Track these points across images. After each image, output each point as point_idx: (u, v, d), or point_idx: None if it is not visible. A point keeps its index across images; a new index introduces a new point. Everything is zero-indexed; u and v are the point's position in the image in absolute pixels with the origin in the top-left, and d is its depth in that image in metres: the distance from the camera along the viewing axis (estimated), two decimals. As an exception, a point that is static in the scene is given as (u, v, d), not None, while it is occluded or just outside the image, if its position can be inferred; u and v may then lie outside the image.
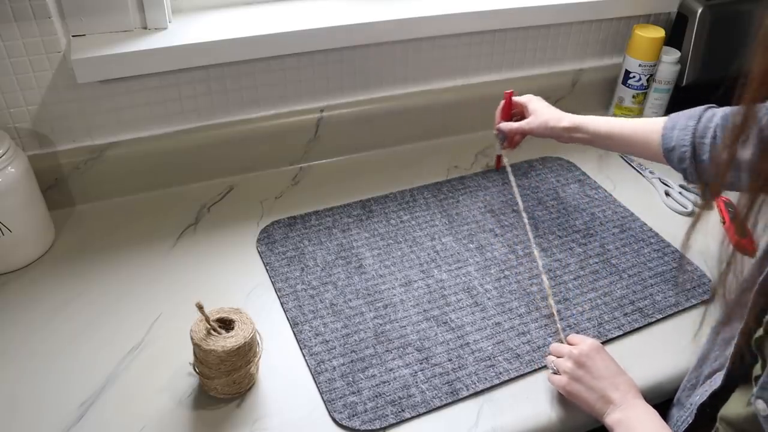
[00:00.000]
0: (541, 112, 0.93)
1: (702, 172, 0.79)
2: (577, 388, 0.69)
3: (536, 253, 0.89)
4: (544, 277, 0.85)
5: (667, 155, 0.82)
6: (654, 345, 0.81)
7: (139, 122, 0.98)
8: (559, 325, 0.80)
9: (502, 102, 0.97)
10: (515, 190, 0.95)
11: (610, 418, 0.66)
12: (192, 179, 1.04)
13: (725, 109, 0.79)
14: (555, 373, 0.72)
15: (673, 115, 0.84)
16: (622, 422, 0.65)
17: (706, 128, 0.78)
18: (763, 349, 0.55)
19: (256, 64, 1.00)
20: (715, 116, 0.78)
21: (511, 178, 0.96)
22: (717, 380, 0.62)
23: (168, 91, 0.97)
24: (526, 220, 0.91)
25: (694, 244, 0.95)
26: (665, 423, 0.64)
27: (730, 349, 0.60)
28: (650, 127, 0.85)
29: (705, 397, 0.63)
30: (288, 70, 1.03)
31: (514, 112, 0.98)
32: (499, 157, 1.03)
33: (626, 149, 0.90)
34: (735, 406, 0.58)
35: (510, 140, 0.99)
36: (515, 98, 0.97)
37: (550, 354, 0.75)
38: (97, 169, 0.96)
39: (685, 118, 0.81)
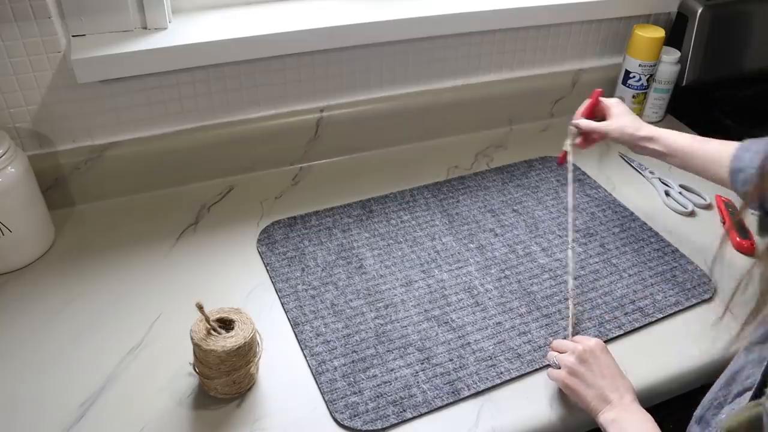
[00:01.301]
0: (622, 117, 0.92)
1: (764, 200, 0.75)
2: (576, 383, 0.69)
3: (570, 255, 0.88)
4: (570, 279, 0.85)
5: (733, 176, 0.79)
6: (654, 344, 0.81)
7: (139, 122, 0.98)
8: (570, 330, 0.80)
9: (588, 100, 0.96)
10: (570, 189, 0.94)
11: (604, 417, 0.66)
12: (192, 179, 1.04)
13: None
14: (556, 368, 0.72)
15: (755, 139, 0.81)
16: (616, 422, 0.65)
17: None
18: None
19: (256, 64, 1.00)
20: None
21: (570, 177, 0.95)
22: (746, 398, 0.61)
23: (168, 91, 0.97)
24: (571, 223, 0.90)
25: (694, 243, 0.96)
26: (659, 429, 0.63)
27: (764, 368, 0.59)
28: (725, 147, 0.83)
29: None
30: (288, 70, 1.03)
31: (596, 113, 0.97)
32: (564, 154, 0.98)
33: (695, 166, 0.87)
34: (743, 409, 0.58)
35: (584, 138, 0.96)
36: (602, 99, 0.95)
37: (551, 349, 0.75)
38: (97, 169, 0.96)
39: (764, 142, 0.79)
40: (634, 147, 0.92)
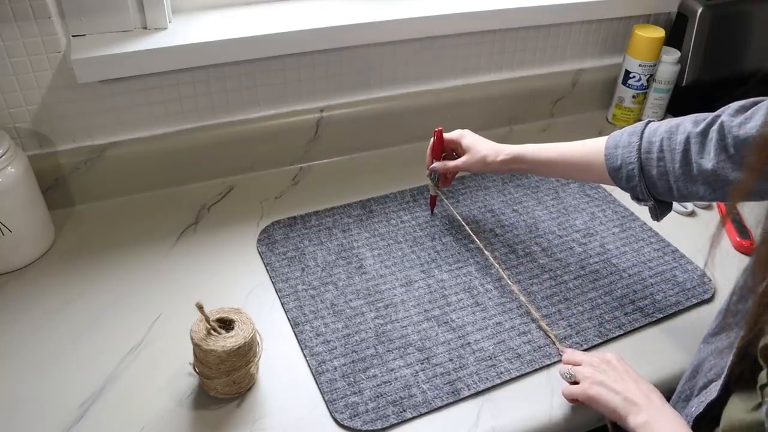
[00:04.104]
0: (478, 148, 0.88)
1: (652, 188, 0.76)
2: (599, 391, 0.68)
3: (503, 273, 0.86)
4: (521, 297, 0.84)
5: (614, 175, 0.78)
6: (655, 344, 0.81)
7: (139, 122, 0.98)
8: (557, 344, 0.79)
9: (432, 140, 0.93)
10: (461, 221, 0.93)
11: (635, 420, 0.64)
12: (192, 179, 1.04)
13: (668, 122, 0.76)
14: (573, 383, 0.71)
15: (613, 133, 0.80)
16: (649, 424, 0.63)
17: (651, 143, 0.75)
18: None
19: (256, 64, 1.00)
20: (658, 129, 0.75)
21: (453, 211, 0.95)
22: (713, 390, 0.61)
23: (168, 91, 0.97)
24: (485, 251, 0.89)
25: (694, 243, 0.96)
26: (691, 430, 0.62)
27: (727, 359, 0.59)
28: (592, 148, 0.81)
29: (701, 408, 0.62)
30: (288, 70, 1.03)
31: (446, 149, 0.94)
32: (433, 199, 0.99)
33: (570, 174, 0.86)
34: (737, 413, 0.58)
35: (443, 178, 0.95)
36: (446, 135, 0.93)
37: (563, 363, 0.75)
38: (97, 169, 0.96)
39: (627, 134, 0.78)
40: (499, 172, 0.90)
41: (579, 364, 0.72)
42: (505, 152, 0.86)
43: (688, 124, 0.73)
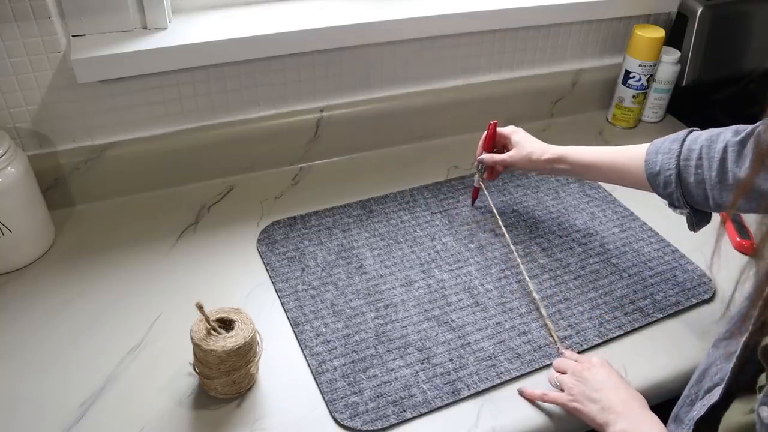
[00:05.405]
0: (525, 145, 0.91)
1: (689, 196, 0.76)
2: (578, 401, 0.68)
3: (526, 276, 0.86)
4: (536, 296, 0.84)
5: (652, 180, 0.79)
6: (655, 344, 0.81)
7: (139, 122, 0.98)
8: (558, 345, 0.79)
9: (485, 133, 0.96)
10: (497, 215, 0.93)
11: (614, 429, 0.64)
12: (192, 179, 1.04)
13: (710, 131, 0.76)
14: (559, 391, 0.72)
15: (656, 140, 0.81)
16: (627, 431, 0.63)
17: (690, 150, 0.76)
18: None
19: (256, 64, 1.00)
20: (699, 138, 0.76)
21: (492, 206, 0.95)
22: (716, 394, 0.61)
23: (168, 91, 0.97)
24: (512, 246, 0.90)
25: (694, 243, 0.96)
26: None
27: (731, 363, 0.59)
28: (633, 153, 0.82)
29: (703, 412, 0.62)
30: (288, 70, 1.03)
31: (497, 144, 0.96)
32: (476, 191, 1.00)
33: (610, 178, 0.87)
34: (735, 416, 0.58)
35: (490, 171, 0.97)
36: (499, 129, 0.95)
37: (554, 370, 0.75)
38: (97, 169, 0.96)
39: (669, 142, 0.79)
40: (542, 171, 0.92)
41: (565, 372, 0.73)
42: (551, 152, 0.88)
43: (729, 133, 0.73)
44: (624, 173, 0.83)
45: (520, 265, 0.88)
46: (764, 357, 0.54)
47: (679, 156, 0.77)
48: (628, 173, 0.83)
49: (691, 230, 0.80)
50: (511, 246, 0.90)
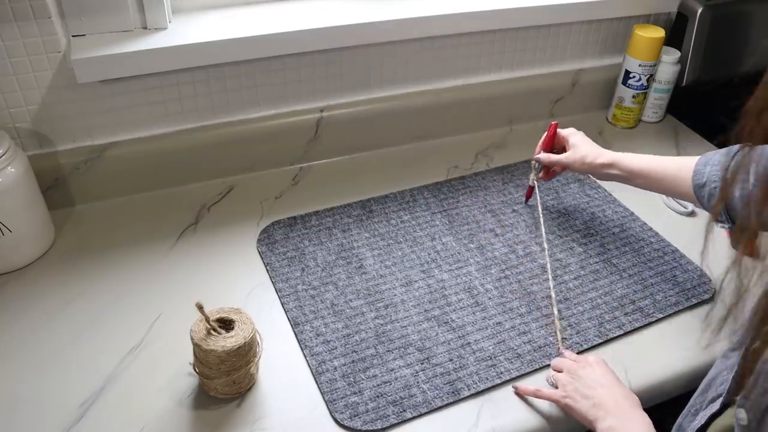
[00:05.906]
0: (581, 147, 0.92)
1: (732, 211, 0.73)
2: (571, 398, 0.69)
3: (551, 286, 0.86)
4: (552, 293, 0.84)
5: (698, 192, 0.78)
6: (655, 344, 0.81)
7: (139, 122, 0.98)
8: (560, 344, 0.79)
9: (546, 133, 0.97)
10: (543, 227, 0.93)
11: (602, 425, 0.65)
12: (192, 179, 1.04)
13: (765, 146, 0.73)
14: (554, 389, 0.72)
15: (708, 152, 0.81)
16: (612, 429, 0.64)
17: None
18: (756, 360, 0.54)
19: (256, 64, 1.00)
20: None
21: (539, 206, 0.96)
22: (717, 404, 0.61)
23: (168, 91, 0.97)
24: (547, 252, 0.90)
25: (695, 244, 0.96)
26: None
27: (734, 373, 0.59)
28: (683, 163, 0.82)
29: (703, 421, 0.62)
30: (288, 70, 1.03)
31: (556, 145, 0.97)
32: (530, 190, 1.01)
33: (658, 187, 0.87)
34: (722, 420, 0.58)
35: (546, 171, 0.98)
36: (559, 131, 0.96)
37: (552, 369, 0.75)
38: (97, 169, 0.96)
39: (721, 154, 0.78)
40: (596, 175, 0.92)
41: (562, 371, 0.73)
42: (605, 156, 0.89)
43: None
44: (673, 183, 0.83)
45: (548, 265, 0.88)
46: (744, 360, 0.54)
47: (727, 168, 0.74)
48: (677, 184, 0.82)
49: (733, 247, 0.78)
50: (545, 244, 0.90)
